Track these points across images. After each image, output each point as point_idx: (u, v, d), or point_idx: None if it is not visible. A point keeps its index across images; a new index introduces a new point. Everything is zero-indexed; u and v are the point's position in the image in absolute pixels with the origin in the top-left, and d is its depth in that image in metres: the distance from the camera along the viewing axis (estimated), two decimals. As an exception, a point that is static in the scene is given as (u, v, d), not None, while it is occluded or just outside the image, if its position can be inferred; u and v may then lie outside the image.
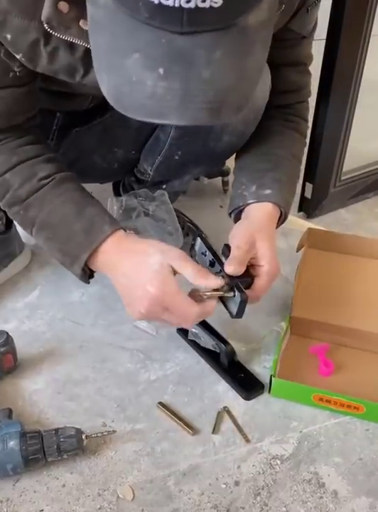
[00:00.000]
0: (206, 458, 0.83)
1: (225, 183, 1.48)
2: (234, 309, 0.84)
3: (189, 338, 0.98)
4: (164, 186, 1.18)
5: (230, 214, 1.00)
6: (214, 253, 0.91)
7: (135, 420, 0.88)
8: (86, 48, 0.75)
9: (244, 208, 0.96)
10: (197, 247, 0.95)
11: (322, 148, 1.31)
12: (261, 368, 0.97)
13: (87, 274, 0.87)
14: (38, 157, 0.88)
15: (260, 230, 0.90)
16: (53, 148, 1.13)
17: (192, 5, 0.53)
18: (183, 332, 0.99)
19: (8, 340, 0.91)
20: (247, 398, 0.91)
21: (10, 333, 0.92)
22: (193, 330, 0.96)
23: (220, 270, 0.87)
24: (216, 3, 0.53)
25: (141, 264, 0.80)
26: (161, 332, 1.04)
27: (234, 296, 0.84)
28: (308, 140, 1.13)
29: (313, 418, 0.89)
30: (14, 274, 1.17)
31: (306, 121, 1.08)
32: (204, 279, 0.80)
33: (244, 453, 0.84)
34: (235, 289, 0.83)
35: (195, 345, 0.98)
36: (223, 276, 0.84)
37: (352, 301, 1.03)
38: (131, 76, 0.59)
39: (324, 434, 0.87)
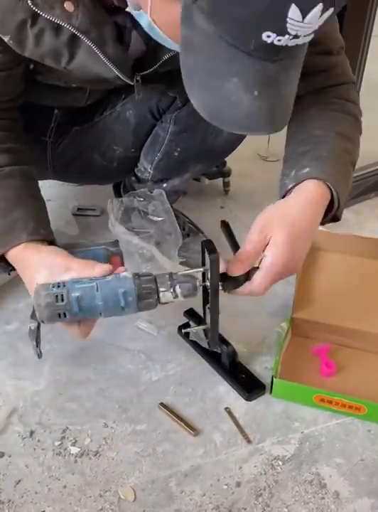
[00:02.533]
0: (207, 459, 0.83)
1: (226, 184, 1.48)
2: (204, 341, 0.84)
3: (190, 338, 0.98)
4: (164, 185, 1.18)
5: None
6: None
7: (136, 421, 0.88)
8: (72, 33, 0.77)
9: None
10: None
11: (323, 148, 1.30)
12: (263, 368, 0.97)
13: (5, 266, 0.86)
14: None
15: (282, 215, 0.81)
16: (51, 145, 1.13)
17: (294, 42, 0.61)
18: (185, 333, 0.99)
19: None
20: (248, 399, 0.90)
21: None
22: (194, 330, 0.96)
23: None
24: (306, 38, 0.62)
25: (30, 283, 0.80)
26: (162, 333, 1.04)
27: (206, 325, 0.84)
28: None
29: (315, 419, 0.89)
30: (15, 275, 1.17)
31: (352, 102, 0.97)
32: (91, 269, 0.77)
33: (245, 454, 0.84)
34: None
35: (197, 345, 0.98)
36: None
37: (353, 302, 1.02)
38: (230, 96, 0.66)
39: (325, 434, 0.86)
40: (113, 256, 0.87)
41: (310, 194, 0.82)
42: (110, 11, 0.79)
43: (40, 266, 0.79)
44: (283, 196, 0.86)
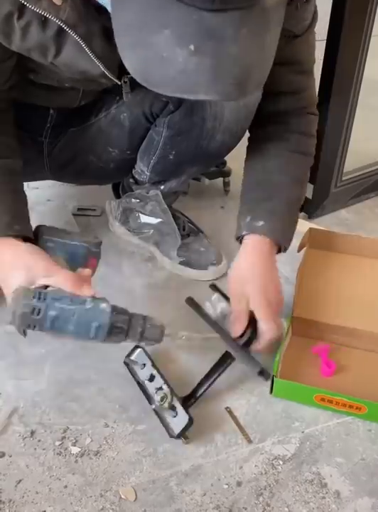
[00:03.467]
0: (208, 458, 0.83)
1: (226, 184, 1.48)
2: (176, 430, 0.83)
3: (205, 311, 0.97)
4: (162, 187, 1.18)
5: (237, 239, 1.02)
6: (154, 365, 0.91)
7: (137, 421, 0.88)
8: (58, 26, 0.76)
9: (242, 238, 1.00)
10: (133, 357, 0.95)
11: (323, 148, 1.30)
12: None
13: None
14: None
15: (251, 280, 0.93)
16: (47, 146, 1.13)
17: None
18: (195, 305, 0.99)
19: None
20: (264, 376, 0.89)
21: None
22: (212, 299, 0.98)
23: (161, 386, 0.87)
24: None
25: (2, 281, 0.79)
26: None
27: (176, 416, 0.84)
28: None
29: (315, 418, 0.89)
30: None
31: (308, 135, 1.04)
32: (78, 288, 0.77)
33: (246, 453, 0.84)
34: (178, 409, 0.84)
35: (208, 319, 0.96)
36: (165, 393, 0.86)
37: (354, 302, 1.02)
38: (162, 52, 0.59)
39: (326, 434, 0.86)
40: (91, 256, 0.88)
41: (263, 253, 0.96)
42: (98, 12, 0.78)
43: (16, 265, 0.78)
44: (238, 237, 1.00)
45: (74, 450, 0.83)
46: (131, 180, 1.22)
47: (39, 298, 0.74)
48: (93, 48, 0.79)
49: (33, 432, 0.86)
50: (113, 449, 0.84)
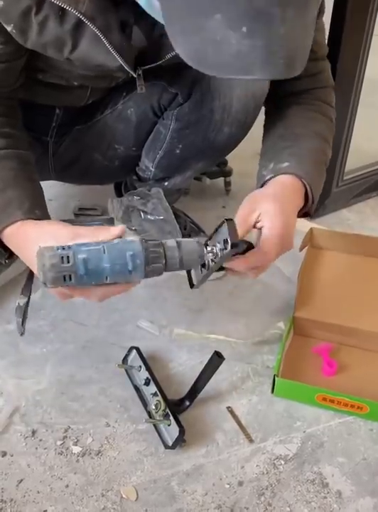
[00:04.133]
0: (209, 458, 0.83)
1: (227, 184, 1.48)
2: (169, 440, 0.83)
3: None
4: (166, 183, 1.18)
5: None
6: (149, 368, 0.90)
7: (138, 420, 0.87)
8: (76, 19, 0.76)
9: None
10: (130, 359, 0.94)
11: (324, 147, 1.30)
12: (264, 367, 0.97)
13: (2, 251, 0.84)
14: None
15: (266, 196, 0.85)
16: (52, 145, 1.13)
17: None
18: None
19: None
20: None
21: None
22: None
23: (155, 392, 0.87)
24: None
25: (30, 257, 0.76)
26: (164, 332, 1.04)
27: (170, 424, 0.83)
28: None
29: (317, 418, 0.88)
30: (16, 275, 1.17)
31: (329, 104, 1.01)
32: (106, 232, 0.73)
33: (247, 453, 0.84)
34: (171, 418, 0.83)
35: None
36: (159, 401, 0.85)
37: (355, 301, 1.02)
38: (215, 36, 0.60)
39: (328, 434, 0.86)
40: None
41: (287, 187, 0.87)
42: (114, 4, 0.79)
43: (42, 236, 0.76)
44: (260, 186, 0.90)
45: (76, 449, 0.83)
46: (135, 177, 1.22)
47: (63, 248, 0.69)
48: (111, 39, 0.79)
49: (34, 432, 0.86)
50: (114, 448, 0.84)
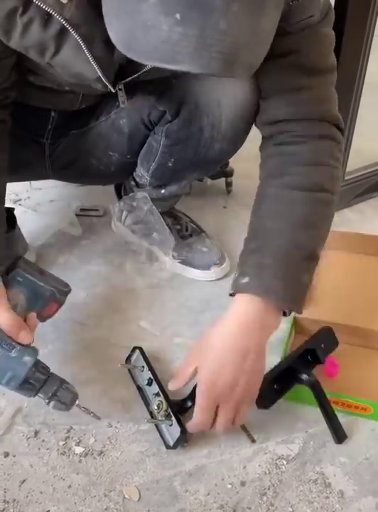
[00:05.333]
0: (212, 458, 0.83)
1: (229, 184, 1.48)
2: (171, 441, 0.82)
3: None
4: (163, 191, 1.18)
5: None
6: (151, 369, 0.90)
7: (140, 421, 0.87)
8: (61, 26, 0.75)
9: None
10: (133, 359, 0.95)
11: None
12: (266, 368, 0.97)
13: None
14: None
15: (211, 348, 0.81)
16: (49, 147, 1.13)
17: None
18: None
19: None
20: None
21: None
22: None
23: (157, 392, 0.87)
24: None
25: None
26: (165, 332, 1.04)
27: (172, 425, 0.83)
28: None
29: (319, 418, 0.88)
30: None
31: (316, 164, 0.88)
32: (15, 334, 0.79)
33: (249, 453, 0.84)
34: (173, 419, 0.82)
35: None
36: (161, 401, 0.85)
37: (358, 300, 1.02)
38: (146, 20, 0.58)
39: (329, 434, 0.86)
40: (52, 301, 0.90)
41: (244, 316, 0.81)
42: (102, 17, 0.78)
43: None
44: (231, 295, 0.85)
45: (78, 450, 0.83)
46: (132, 182, 1.22)
47: None
48: (92, 50, 0.78)
49: (36, 432, 0.86)
50: (117, 448, 0.84)
